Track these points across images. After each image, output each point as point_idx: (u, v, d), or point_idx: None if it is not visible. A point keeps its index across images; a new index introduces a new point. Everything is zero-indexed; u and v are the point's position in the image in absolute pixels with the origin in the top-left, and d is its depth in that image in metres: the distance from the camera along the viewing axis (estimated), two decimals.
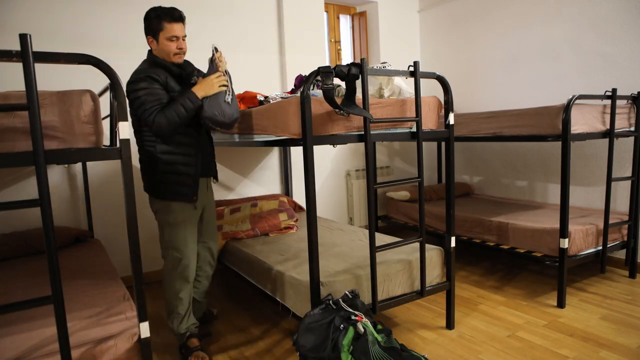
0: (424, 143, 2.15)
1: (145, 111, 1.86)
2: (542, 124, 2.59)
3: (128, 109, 1.85)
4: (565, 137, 2.44)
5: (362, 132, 1.93)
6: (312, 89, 2.11)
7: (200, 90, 1.95)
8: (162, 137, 1.94)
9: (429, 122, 2.23)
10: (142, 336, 1.46)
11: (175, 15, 1.94)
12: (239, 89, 3.46)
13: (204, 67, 3.58)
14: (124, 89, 1.40)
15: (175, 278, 2.08)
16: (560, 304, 2.55)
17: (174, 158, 1.98)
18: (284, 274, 2.13)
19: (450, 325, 2.34)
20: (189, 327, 2.15)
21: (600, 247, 2.77)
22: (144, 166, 2.05)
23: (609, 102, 2.69)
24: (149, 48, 2.04)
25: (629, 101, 2.85)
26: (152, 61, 1.99)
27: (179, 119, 1.89)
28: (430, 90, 3.67)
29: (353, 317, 1.69)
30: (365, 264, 2.09)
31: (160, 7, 1.94)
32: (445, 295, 2.34)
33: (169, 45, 1.96)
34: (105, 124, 1.52)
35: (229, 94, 1.99)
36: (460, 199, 3.92)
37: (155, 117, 1.86)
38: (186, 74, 2.05)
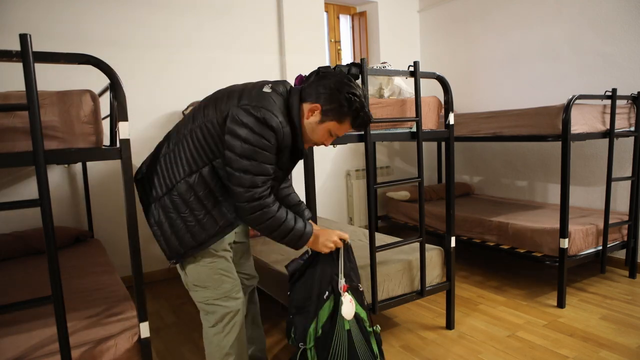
0: (424, 143, 2.15)
1: (253, 184, 1.39)
2: (542, 124, 2.59)
3: (209, 131, 1.44)
4: (565, 137, 2.44)
5: (362, 132, 1.93)
6: None
7: (315, 241, 1.58)
8: (235, 199, 1.44)
9: (429, 122, 2.23)
10: (142, 336, 1.46)
11: (363, 126, 1.57)
12: None
13: (201, 66, 3.58)
14: (123, 89, 1.39)
15: (223, 330, 1.62)
16: (560, 304, 2.55)
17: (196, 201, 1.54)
18: (284, 274, 2.13)
19: (450, 325, 2.34)
20: None
21: (600, 247, 2.77)
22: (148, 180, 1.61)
23: (609, 102, 2.69)
24: (294, 87, 1.53)
25: (629, 101, 2.85)
26: (290, 108, 1.47)
27: (267, 232, 1.49)
28: (430, 90, 3.67)
29: (338, 287, 1.59)
30: (365, 263, 2.09)
31: (363, 105, 1.48)
32: (445, 295, 2.34)
33: (326, 138, 1.53)
34: (105, 124, 1.52)
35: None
36: (460, 199, 3.92)
37: (265, 208, 1.42)
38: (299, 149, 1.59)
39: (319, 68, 1.78)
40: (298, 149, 1.54)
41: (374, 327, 1.71)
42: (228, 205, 1.52)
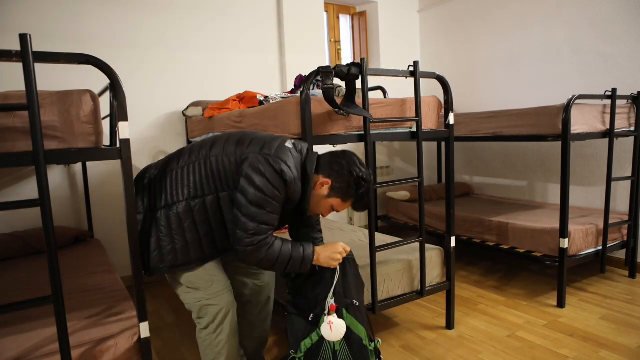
0: (424, 143, 2.15)
1: (259, 226, 1.43)
2: (542, 124, 2.59)
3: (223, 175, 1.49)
4: (565, 137, 2.44)
5: (362, 132, 1.93)
6: (312, 89, 2.11)
7: (319, 259, 1.59)
8: (234, 242, 1.47)
9: (429, 122, 2.23)
10: (142, 336, 1.45)
11: (360, 209, 1.65)
12: (239, 89, 3.48)
13: (201, 66, 3.57)
14: (123, 89, 1.39)
15: (216, 329, 1.64)
16: (560, 304, 2.55)
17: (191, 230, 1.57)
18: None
19: (450, 325, 2.34)
20: None
21: (600, 247, 2.77)
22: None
23: (609, 102, 2.68)
24: (314, 155, 1.60)
25: (629, 101, 2.85)
26: (304, 173, 1.54)
27: (270, 266, 1.52)
28: (430, 90, 3.67)
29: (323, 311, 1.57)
30: (365, 263, 2.08)
31: (369, 191, 1.58)
32: (445, 295, 2.34)
33: (327, 210, 1.61)
34: (105, 124, 1.52)
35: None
36: (460, 199, 3.92)
37: (268, 247, 1.45)
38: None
39: (319, 68, 1.79)
40: (303, 209, 1.59)
41: (375, 342, 1.69)
42: (219, 237, 1.56)
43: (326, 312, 1.57)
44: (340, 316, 1.58)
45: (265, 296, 1.90)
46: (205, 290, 1.58)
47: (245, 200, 1.42)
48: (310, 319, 1.60)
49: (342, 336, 1.55)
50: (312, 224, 1.79)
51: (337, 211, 1.61)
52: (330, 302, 1.57)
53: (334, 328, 1.53)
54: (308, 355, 1.59)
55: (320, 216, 1.70)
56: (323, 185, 1.55)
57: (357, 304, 1.64)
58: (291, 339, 1.63)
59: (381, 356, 1.75)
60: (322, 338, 1.57)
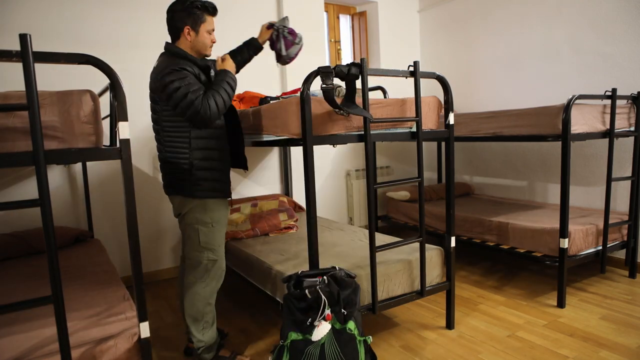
0: (424, 143, 2.15)
1: (194, 99, 1.75)
2: (542, 124, 2.59)
3: (157, 106, 1.85)
4: (565, 137, 2.44)
5: (362, 132, 1.94)
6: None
7: (228, 67, 1.95)
8: (205, 125, 1.84)
9: (429, 122, 2.23)
10: (142, 336, 1.46)
11: (216, 9, 1.93)
12: (239, 89, 3.47)
13: None
14: (123, 89, 1.39)
15: (209, 283, 1.98)
16: (560, 304, 2.55)
17: (210, 154, 1.90)
18: (284, 274, 2.13)
19: (450, 325, 2.34)
20: (217, 337, 2.05)
21: (600, 247, 2.77)
22: (170, 165, 1.91)
23: (609, 102, 2.68)
24: (170, 42, 1.94)
25: (629, 101, 2.85)
26: (179, 54, 1.88)
27: (229, 99, 1.84)
28: (430, 90, 3.67)
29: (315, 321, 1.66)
30: (365, 264, 2.09)
31: (200, 0, 1.87)
32: (445, 295, 2.34)
33: (208, 38, 1.92)
34: (105, 124, 1.52)
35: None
36: (460, 199, 3.92)
37: (208, 101, 1.76)
38: (207, 67, 1.98)
39: (319, 68, 1.79)
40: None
41: (366, 338, 1.73)
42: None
43: (321, 321, 1.65)
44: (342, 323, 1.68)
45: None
46: (215, 252, 1.97)
47: (169, 96, 1.77)
48: (308, 324, 1.65)
49: (320, 337, 1.63)
50: None
51: (211, 29, 1.91)
52: (327, 312, 1.66)
53: (320, 329, 1.64)
54: (294, 344, 1.65)
55: None
56: (189, 31, 1.87)
57: (345, 312, 1.69)
58: (283, 330, 1.70)
59: (375, 355, 1.77)
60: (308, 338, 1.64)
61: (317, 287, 1.67)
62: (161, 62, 1.86)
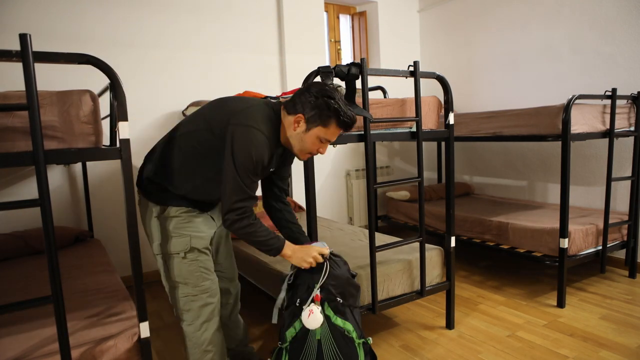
0: (424, 143, 2.15)
1: (242, 191, 1.46)
2: (542, 123, 2.59)
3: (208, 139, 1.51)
4: (565, 137, 2.44)
5: (362, 132, 1.93)
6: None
7: (293, 256, 1.63)
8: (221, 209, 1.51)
9: (429, 122, 2.24)
10: (142, 336, 1.46)
11: (349, 127, 1.57)
12: (239, 89, 3.48)
13: (201, 66, 3.57)
14: (123, 88, 1.39)
15: (201, 326, 1.69)
16: (560, 303, 2.55)
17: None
18: (284, 274, 2.13)
19: (450, 325, 2.34)
20: None
21: (600, 247, 2.77)
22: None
23: (609, 102, 2.69)
24: (284, 112, 1.56)
25: (629, 101, 2.85)
26: (275, 124, 1.54)
27: (252, 242, 1.56)
28: (430, 90, 3.67)
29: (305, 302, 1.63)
30: (365, 263, 2.09)
31: (341, 108, 1.50)
32: (445, 295, 2.34)
33: (316, 145, 1.55)
34: (105, 124, 1.52)
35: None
36: (460, 199, 3.92)
37: (245, 213, 1.48)
38: (279, 154, 1.65)
39: (319, 68, 1.79)
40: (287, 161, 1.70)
41: (366, 339, 1.71)
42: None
43: (310, 299, 1.62)
44: (322, 308, 1.64)
45: (234, 298, 1.99)
46: (194, 286, 1.63)
47: (233, 145, 1.44)
48: (297, 304, 1.65)
49: (315, 327, 1.60)
50: (282, 198, 1.84)
51: (330, 141, 1.56)
52: (316, 292, 1.63)
53: (311, 317, 1.59)
54: (293, 344, 1.63)
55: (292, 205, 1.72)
56: (298, 122, 1.52)
57: (341, 301, 1.68)
58: (281, 332, 1.69)
59: (375, 355, 1.76)
60: (305, 328, 1.62)
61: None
62: (256, 110, 1.51)
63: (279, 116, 1.56)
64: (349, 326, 1.65)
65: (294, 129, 1.53)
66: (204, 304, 1.65)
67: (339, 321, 1.65)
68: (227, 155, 1.45)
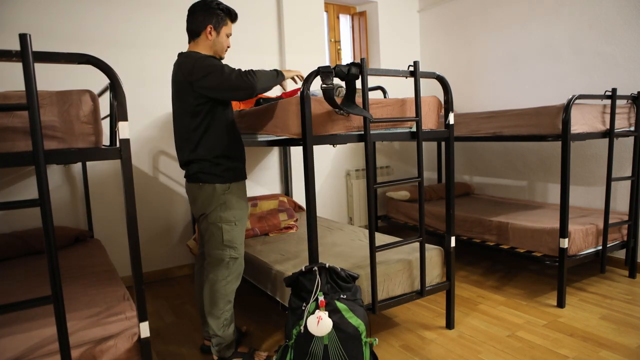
0: (424, 143, 2.15)
1: (235, 74, 1.80)
2: (542, 123, 2.59)
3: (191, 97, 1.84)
4: (565, 137, 2.44)
5: (362, 132, 1.94)
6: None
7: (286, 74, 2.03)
8: (249, 95, 1.87)
9: (429, 122, 2.23)
10: (142, 336, 1.46)
11: (236, 16, 2.03)
12: None
13: None
14: (123, 88, 1.39)
15: (230, 281, 2.00)
16: (560, 303, 2.55)
17: (225, 149, 1.97)
18: (284, 274, 2.13)
19: (450, 325, 2.34)
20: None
21: (600, 247, 2.77)
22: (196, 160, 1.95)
23: (608, 102, 2.69)
24: (192, 44, 1.98)
25: (629, 101, 2.85)
26: (210, 55, 1.95)
27: (268, 85, 1.90)
28: (430, 90, 3.67)
29: (309, 305, 1.66)
30: (365, 263, 2.09)
31: (224, 4, 1.96)
32: (445, 295, 2.35)
33: (226, 41, 2.01)
34: (105, 124, 1.52)
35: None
36: (460, 198, 3.92)
37: (249, 75, 1.80)
38: None
39: (319, 68, 1.79)
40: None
41: (372, 340, 1.73)
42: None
43: (310, 307, 1.65)
44: (333, 309, 1.66)
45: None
46: (237, 250, 1.99)
47: (208, 75, 1.80)
48: (303, 308, 1.67)
49: (325, 333, 1.62)
50: None
51: (229, 33, 1.99)
52: (320, 298, 1.66)
53: (321, 323, 1.61)
54: (299, 342, 1.65)
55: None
56: (210, 32, 1.92)
57: (345, 297, 1.72)
58: (287, 330, 1.71)
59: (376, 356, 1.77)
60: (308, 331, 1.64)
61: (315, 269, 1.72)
62: (190, 55, 1.89)
63: (201, 49, 1.95)
64: (361, 325, 1.68)
65: (209, 39, 1.94)
66: (240, 263, 2.03)
67: (353, 318, 1.68)
68: (204, 79, 1.80)
